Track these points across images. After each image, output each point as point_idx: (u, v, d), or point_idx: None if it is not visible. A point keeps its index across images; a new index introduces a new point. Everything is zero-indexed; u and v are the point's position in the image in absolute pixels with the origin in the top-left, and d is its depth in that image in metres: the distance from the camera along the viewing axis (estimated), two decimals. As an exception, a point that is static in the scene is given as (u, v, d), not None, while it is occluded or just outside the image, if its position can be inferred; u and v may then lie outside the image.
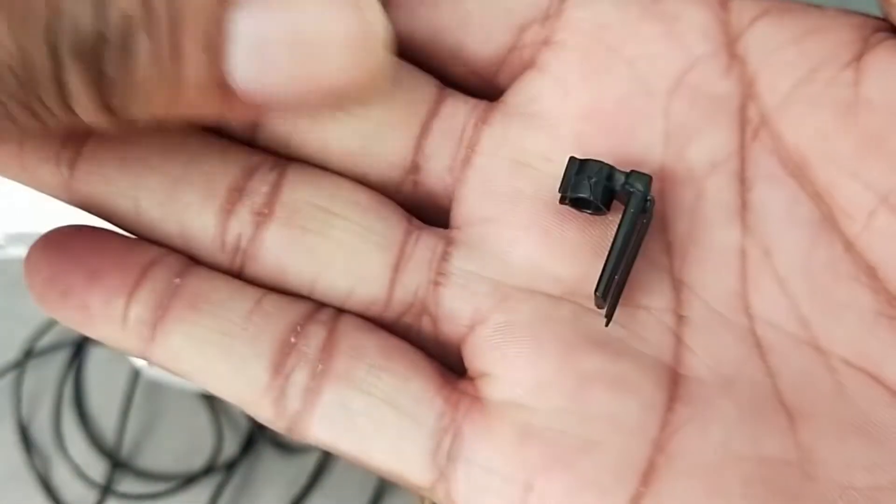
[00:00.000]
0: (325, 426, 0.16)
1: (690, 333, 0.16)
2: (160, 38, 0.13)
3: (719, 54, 0.17)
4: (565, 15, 0.18)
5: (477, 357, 0.17)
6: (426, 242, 0.17)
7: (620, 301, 0.16)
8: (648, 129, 0.17)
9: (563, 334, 0.16)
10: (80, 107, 0.13)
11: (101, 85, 0.13)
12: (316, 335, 0.17)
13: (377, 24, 0.14)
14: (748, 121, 0.17)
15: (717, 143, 0.17)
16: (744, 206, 0.17)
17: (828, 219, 0.16)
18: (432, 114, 0.18)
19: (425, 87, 0.18)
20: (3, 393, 0.41)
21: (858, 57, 0.16)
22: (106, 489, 0.39)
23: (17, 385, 0.40)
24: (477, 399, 0.16)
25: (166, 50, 0.13)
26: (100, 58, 0.13)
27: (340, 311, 0.17)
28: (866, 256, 0.16)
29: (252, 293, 0.17)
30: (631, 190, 0.16)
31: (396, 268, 0.17)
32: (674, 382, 0.16)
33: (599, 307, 0.16)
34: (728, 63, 0.17)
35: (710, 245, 0.16)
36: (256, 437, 0.41)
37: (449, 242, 0.17)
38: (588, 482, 0.15)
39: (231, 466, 0.40)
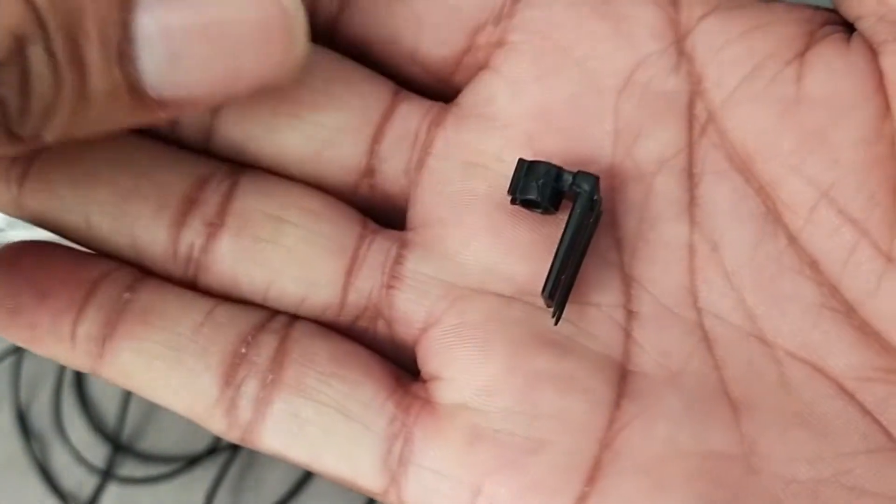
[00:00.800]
0: (276, 435, 0.17)
1: (639, 329, 0.17)
2: (57, 50, 0.13)
3: (668, 52, 0.17)
4: (518, 16, 0.18)
5: (429, 359, 0.17)
6: (380, 246, 0.18)
7: (571, 298, 0.16)
8: (598, 127, 0.17)
9: (513, 334, 0.16)
10: None
11: (6, 120, 0.13)
12: (267, 344, 0.17)
13: (294, 9, 0.14)
14: (696, 117, 0.17)
15: (666, 140, 0.17)
16: (692, 202, 0.17)
17: (772, 213, 0.16)
18: (386, 117, 0.18)
19: (380, 91, 0.18)
20: (2, 378, 0.41)
21: (803, 52, 0.17)
22: (106, 473, 0.39)
23: (16, 369, 0.40)
24: (428, 402, 0.17)
25: (66, 62, 0.13)
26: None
27: (295, 317, 0.18)
28: (809, 250, 0.16)
29: (204, 304, 0.17)
30: (577, 190, 0.16)
31: (350, 272, 0.17)
32: (622, 379, 0.16)
33: (548, 307, 0.16)
34: (676, 60, 0.17)
35: (660, 241, 0.17)
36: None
37: (403, 245, 0.18)
38: (535, 484, 0.15)
39: (235, 448, 0.39)
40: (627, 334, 0.17)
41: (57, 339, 0.17)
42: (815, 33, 0.17)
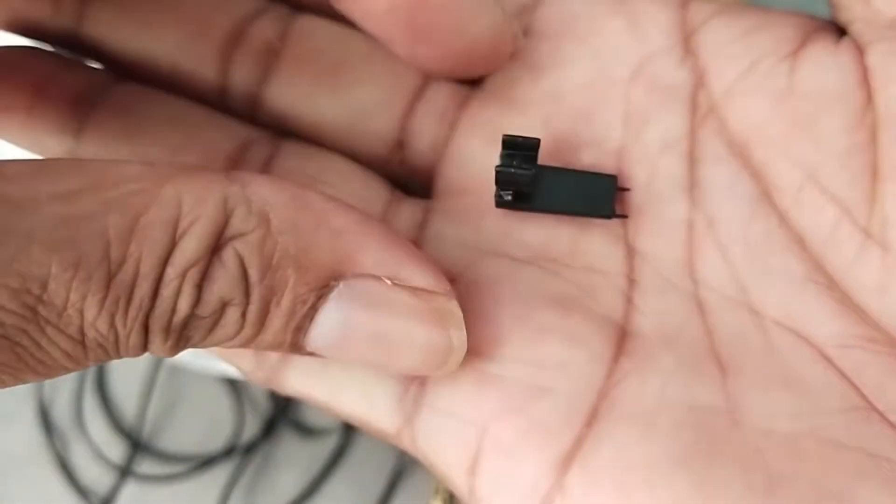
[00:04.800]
0: (299, 376, 0.18)
1: (640, 296, 0.18)
2: (251, 315, 0.15)
3: (675, 48, 0.20)
4: (540, 9, 0.20)
5: None
6: (406, 211, 0.20)
7: (577, 265, 0.19)
8: (609, 112, 0.19)
9: (523, 292, 0.18)
10: (154, 353, 0.15)
11: (180, 343, 0.15)
12: None
13: (458, 343, 0.16)
14: (698, 107, 0.19)
15: (670, 126, 0.19)
16: (692, 183, 0.19)
17: (765, 194, 0.18)
18: (418, 95, 0.20)
19: (412, 71, 0.20)
20: (26, 375, 0.42)
21: (796, 50, 0.19)
22: (125, 470, 0.40)
23: (40, 367, 0.41)
24: None
25: (254, 324, 0.15)
26: (188, 329, 0.15)
27: None
28: (796, 227, 0.18)
29: None
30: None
31: None
32: (621, 339, 0.18)
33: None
34: (683, 56, 0.20)
35: (661, 217, 0.19)
36: (278, 420, 0.41)
37: (427, 211, 0.20)
38: (537, 425, 0.17)
39: (250, 449, 0.41)
40: (628, 300, 0.18)
41: None
42: (809, 35, 0.19)
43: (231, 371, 0.38)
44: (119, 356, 0.14)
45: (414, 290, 0.16)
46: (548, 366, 0.17)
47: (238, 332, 0.15)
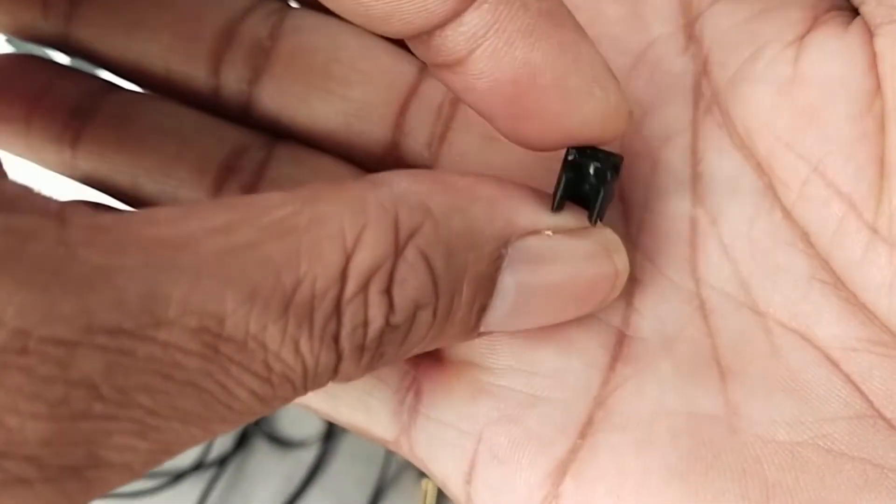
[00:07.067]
0: None
1: (640, 296, 0.18)
2: (442, 310, 0.15)
3: (677, 35, 0.19)
4: None
5: None
6: None
7: None
8: None
9: None
10: (341, 379, 0.15)
11: (374, 361, 0.15)
12: None
13: (622, 266, 0.17)
14: (701, 96, 0.19)
15: (673, 118, 0.19)
16: (695, 177, 0.18)
17: (769, 188, 0.18)
18: (411, 93, 0.20)
19: (405, 68, 0.20)
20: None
21: (803, 35, 0.18)
22: (91, 487, 0.39)
23: None
24: (436, 359, 0.18)
25: (443, 320, 0.15)
26: (383, 343, 0.14)
27: None
28: (801, 223, 0.17)
29: None
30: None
31: None
32: (619, 343, 0.17)
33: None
34: (685, 43, 0.19)
35: (664, 213, 0.18)
36: (250, 431, 0.40)
37: None
38: (532, 434, 0.17)
39: (223, 462, 0.39)
40: (628, 302, 0.18)
41: None
42: (818, 17, 0.18)
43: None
44: (306, 389, 0.14)
45: (571, 231, 0.16)
46: (543, 374, 0.17)
47: (427, 333, 0.15)
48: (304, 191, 0.14)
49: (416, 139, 0.20)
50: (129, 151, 0.20)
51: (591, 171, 0.16)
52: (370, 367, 0.15)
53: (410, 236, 0.14)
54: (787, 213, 0.17)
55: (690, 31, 0.19)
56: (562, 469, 0.16)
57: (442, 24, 0.14)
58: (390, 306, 0.14)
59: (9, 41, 0.33)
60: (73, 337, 0.11)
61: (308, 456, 0.40)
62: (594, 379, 0.17)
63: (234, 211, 0.13)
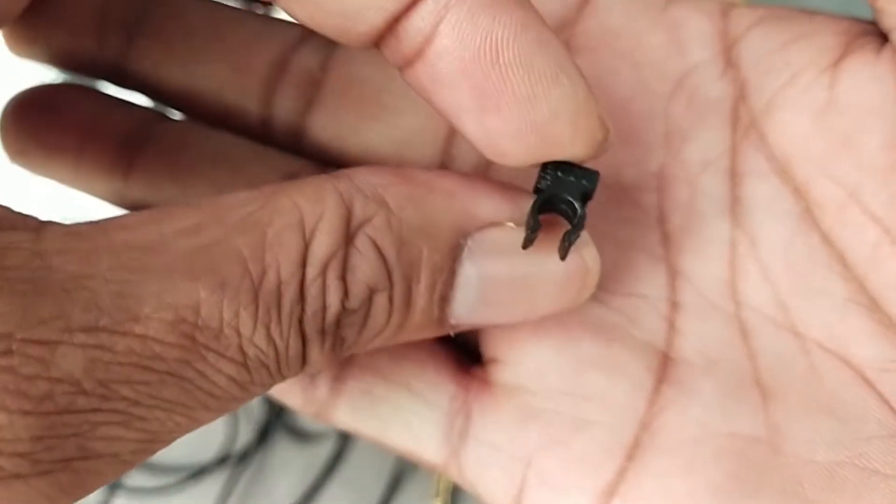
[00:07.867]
0: (349, 411, 0.19)
1: (682, 319, 0.18)
2: (398, 297, 0.15)
3: (716, 60, 0.20)
4: (581, 23, 0.20)
5: (489, 344, 0.19)
6: None
7: (619, 290, 0.19)
8: (650, 129, 0.20)
9: (564, 321, 0.18)
10: (311, 367, 0.15)
11: (335, 347, 0.15)
12: None
13: (593, 263, 0.17)
14: (739, 121, 0.19)
15: (711, 143, 0.19)
16: (734, 201, 0.19)
17: (807, 212, 0.18)
18: None
19: None
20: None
21: (837, 61, 0.18)
22: (115, 484, 0.39)
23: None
24: (486, 382, 0.19)
25: (401, 307, 0.15)
26: (342, 328, 0.15)
27: None
28: (838, 246, 0.18)
29: None
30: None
31: None
32: (663, 365, 0.18)
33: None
34: (724, 68, 0.20)
35: (703, 236, 0.19)
36: (272, 426, 0.40)
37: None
38: (580, 458, 0.17)
39: (244, 457, 0.40)
40: (671, 324, 0.18)
41: None
42: (851, 44, 0.19)
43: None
44: (281, 375, 0.15)
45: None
46: (590, 397, 0.18)
47: (388, 320, 0.15)
48: (269, 187, 0.15)
49: (465, 163, 0.20)
50: (181, 181, 0.20)
51: (567, 187, 0.16)
52: (334, 353, 0.15)
53: (361, 225, 0.15)
54: (825, 237, 0.18)
55: (728, 57, 0.20)
56: (609, 492, 0.17)
57: (407, 9, 0.14)
58: (345, 291, 0.15)
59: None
60: (52, 337, 0.12)
61: (326, 448, 0.41)
62: (640, 401, 0.18)
63: (202, 212, 0.14)
